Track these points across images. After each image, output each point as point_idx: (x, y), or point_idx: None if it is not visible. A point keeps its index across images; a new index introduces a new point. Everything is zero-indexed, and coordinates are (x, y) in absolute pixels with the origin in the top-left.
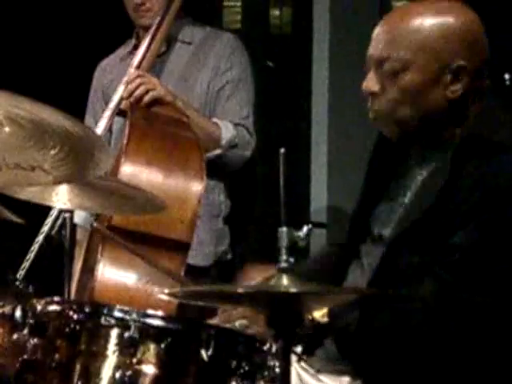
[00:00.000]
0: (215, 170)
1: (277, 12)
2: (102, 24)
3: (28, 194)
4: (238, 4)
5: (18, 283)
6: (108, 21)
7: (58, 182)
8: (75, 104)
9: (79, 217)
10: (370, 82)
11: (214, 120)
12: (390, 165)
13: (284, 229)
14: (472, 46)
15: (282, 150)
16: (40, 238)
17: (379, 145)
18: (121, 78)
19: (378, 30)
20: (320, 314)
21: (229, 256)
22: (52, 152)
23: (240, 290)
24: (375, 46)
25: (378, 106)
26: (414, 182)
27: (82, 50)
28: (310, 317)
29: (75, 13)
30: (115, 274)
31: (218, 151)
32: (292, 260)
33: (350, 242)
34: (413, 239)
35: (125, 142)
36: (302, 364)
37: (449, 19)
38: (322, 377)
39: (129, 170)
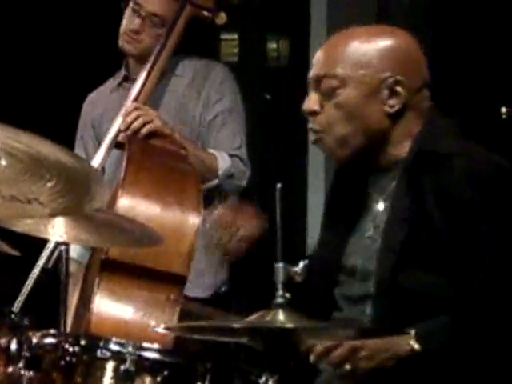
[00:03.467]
0: (213, 201)
1: (274, 45)
2: (91, 56)
3: (24, 226)
4: (235, 37)
5: (13, 316)
6: (97, 53)
7: (54, 214)
8: (66, 136)
9: (73, 251)
10: (309, 102)
11: (210, 151)
12: (351, 199)
13: (280, 264)
14: (408, 63)
15: (279, 186)
16: (36, 270)
17: (337, 180)
18: (111, 109)
19: (317, 54)
20: (407, 343)
21: (226, 288)
22: (48, 185)
23: (236, 326)
24: (314, 67)
25: (317, 124)
26: (373, 212)
27: (71, 83)
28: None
29: (65, 45)
30: (112, 307)
31: (215, 181)
32: (288, 295)
33: (324, 274)
34: (407, 264)
35: (122, 174)
36: None
37: (386, 39)
38: None
39: (126, 203)
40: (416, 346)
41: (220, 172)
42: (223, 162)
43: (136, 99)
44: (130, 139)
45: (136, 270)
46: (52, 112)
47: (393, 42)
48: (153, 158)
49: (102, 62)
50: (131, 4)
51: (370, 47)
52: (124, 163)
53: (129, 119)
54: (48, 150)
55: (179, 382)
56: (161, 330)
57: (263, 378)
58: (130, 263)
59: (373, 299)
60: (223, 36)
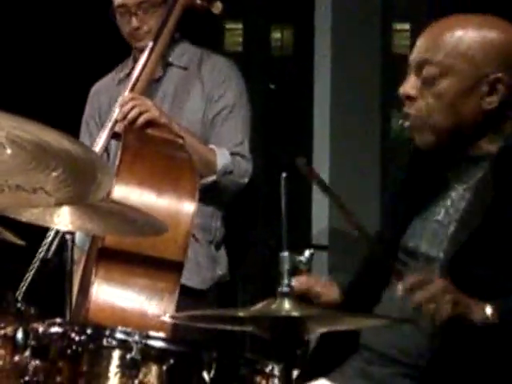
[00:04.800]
0: (213, 196)
1: (278, 34)
2: (96, 45)
3: (30, 215)
4: (240, 26)
5: (19, 305)
6: (105, 41)
7: (59, 203)
8: (73, 125)
9: (76, 237)
10: (408, 86)
11: (211, 146)
12: (426, 183)
13: (285, 253)
14: (511, 61)
15: (284, 175)
16: (37, 259)
17: (414, 163)
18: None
19: (421, 37)
20: (488, 313)
21: (227, 279)
22: (54, 174)
23: (242, 314)
24: (416, 50)
25: (413, 110)
26: (449, 199)
27: (82, 72)
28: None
29: (73, 33)
30: (110, 295)
31: (213, 177)
32: (293, 283)
33: (382, 258)
34: (474, 254)
35: (117, 163)
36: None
37: (491, 33)
38: None
39: (121, 192)
40: (494, 319)
41: (218, 168)
42: (222, 158)
43: (132, 89)
44: (126, 129)
45: (133, 258)
46: (57, 101)
47: (499, 36)
48: (149, 146)
49: (106, 51)
50: (118, 11)
51: (476, 40)
52: (119, 153)
53: (125, 109)
54: (53, 138)
55: (185, 370)
56: (167, 318)
57: (269, 367)
58: (126, 251)
59: None
60: (227, 26)
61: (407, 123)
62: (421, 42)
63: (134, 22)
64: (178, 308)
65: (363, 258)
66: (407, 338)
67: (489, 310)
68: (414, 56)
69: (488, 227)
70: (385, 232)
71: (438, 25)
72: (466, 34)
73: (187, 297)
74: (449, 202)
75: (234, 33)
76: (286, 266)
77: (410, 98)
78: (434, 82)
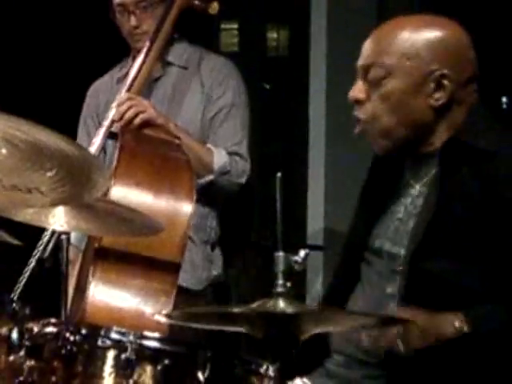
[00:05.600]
0: (209, 196)
1: (274, 34)
2: (97, 45)
3: (25, 215)
4: (235, 26)
5: (14, 305)
6: (103, 40)
7: (54, 204)
8: (69, 125)
9: (73, 237)
10: (356, 90)
11: (208, 146)
12: (387, 184)
13: (280, 253)
14: (456, 57)
15: (279, 175)
16: (33, 260)
17: (375, 165)
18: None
19: (366, 42)
20: (457, 325)
21: (222, 279)
22: (49, 174)
23: (236, 311)
24: (362, 55)
25: (362, 113)
26: (407, 197)
27: (77, 71)
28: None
29: (71, 33)
30: (106, 295)
31: (210, 177)
32: (288, 284)
33: (349, 260)
34: (430, 249)
35: (114, 164)
36: (307, 380)
37: (436, 31)
38: None
39: (118, 193)
40: (465, 328)
41: (215, 168)
42: (219, 158)
43: (129, 89)
44: (123, 129)
45: (130, 258)
46: (54, 100)
47: (442, 33)
48: (146, 147)
49: (104, 50)
50: (117, 9)
51: (418, 38)
52: (116, 153)
53: (122, 109)
54: (49, 138)
55: (180, 370)
56: (161, 317)
57: (264, 367)
58: (123, 251)
59: (399, 280)
60: (223, 26)
61: (357, 129)
62: (365, 48)
63: (133, 20)
64: (174, 308)
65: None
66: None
67: (457, 322)
68: (360, 61)
69: (438, 222)
70: (352, 234)
71: (381, 28)
72: (408, 34)
73: (183, 297)
74: (409, 200)
75: (230, 33)
76: (280, 266)
77: (358, 101)
78: (380, 84)
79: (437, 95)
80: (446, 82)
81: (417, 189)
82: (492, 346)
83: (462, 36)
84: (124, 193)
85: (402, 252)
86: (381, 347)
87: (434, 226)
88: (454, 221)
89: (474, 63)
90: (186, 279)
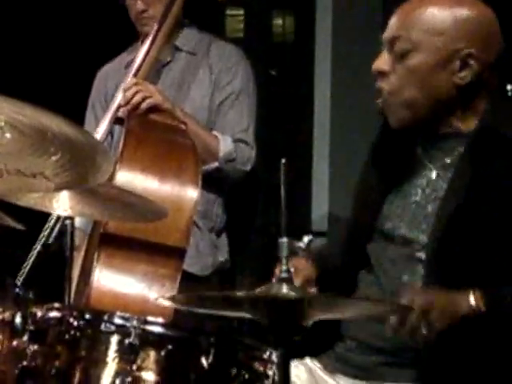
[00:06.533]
0: (214, 183)
1: (279, 21)
2: (104, 29)
3: (29, 200)
4: (241, 13)
5: (18, 289)
6: (111, 25)
7: (59, 188)
8: (76, 109)
9: (79, 221)
10: (380, 62)
11: (214, 133)
12: (395, 162)
13: (284, 239)
14: (484, 37)
15: (283, 161)
16: (38, 244)
17: (381, 140)
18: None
19: (394, 15)
20: (473, 302)
21: (228, 265)
22: (53, 158)
23: (240, 296)
24: (389, 28)
25: (385, 85)
26: (424, 179)
27: (83, 56)
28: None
29: (78, 17)
30: (111, 281)
31: (215, 164)
32: (292, 270)
33: (354, 241)
34: (459, 236)
35: (120, 149)
36: (315, 362)
37: (464, 10)
38: (336, 377)
39: (124, 178)
40: (482, 306)
41: (221, 155)
42: (225, 145)
43: (136, 74)
44: (129, 114)
45: (135, 244)
46: (61, 85)
47: (471, 12)
48: (152, 132)
49: (112, 35)
50: None
51: (447, 15)
52: (122, 138)
53: (128, 94)
54: (53, 123)
55: (183, 355)
56: (164, 301)
57: (267, 353)
58: (128, 237)
59: (425, 266)
60: (229, 12)
61: (380, 99)
62: (393, 21)
63: (140, 5)
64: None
65: (336, 241)
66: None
67: (472, 299)
68: (386, 34)
69: (468, 209)
70: (358, 214)
71: (409, 3)
72: (437, 11)
73: (188, 283)
74: (425, 182)
75: (235, 19)
76: (284, 252)
77: (382, 73)
78: (405, 57)
79: (462, 74)
80: (472, 61)
81: (433, 171)
82: (509, 328)
83: (491, 17)
84: (129, 178)
85: (422, 238)
86: (404, 335)
87: (463, 213)
88: (485, 209)
89: (501, 45)
90: (191, 265)
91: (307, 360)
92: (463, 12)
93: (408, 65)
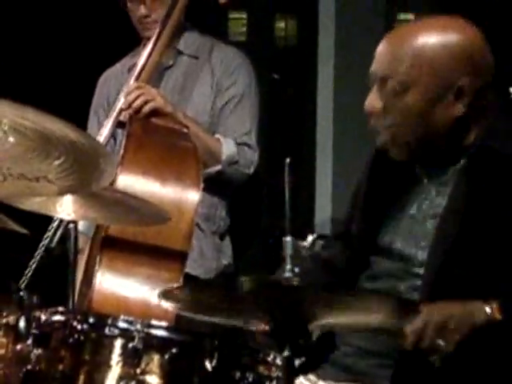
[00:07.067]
0: (217, 186)
1: (282, 24)
2: (107, 33)
3: (32, 204)
4: (244, 16)
5: (22, 293)
6: (113, 30)
7: (62, 192)
8: (79, 113)
9: (82, 224)
10: (373, 101)
11: (217, 136)
12: (393, 177)
13: (289, 238)
14: (476, 64)
15: (288, 160)
16: (41, 248)
17: (377, 160)
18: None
19: (381, 48)
20: (489, 312)
21: (231, 269)
22: (56, 162)
23: (244, 294)
24: (379, 63)
25: (382, 125)
26: (421, 194)
27: (86, 60)
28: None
29: (81, 21)
30: (113, 284)
31: (218, 167)
32: (297, 269)
33: (358, 253)
34: (460, 256)
35: (122, 152)
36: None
37: (452, 37)
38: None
39: (125, 181)
40: (497, 316)
41: (223, 158)
42: (227, 148)
43: (138, 78)
44: (131, 118)
45: (137, 247)
46: (63, 89)
47: (460, 39)
48: (153, 135)
49: (114, 39)
50: None
51: (437, 47)
52: (124, 141)
53: (130, 98)
54: (56, 127)
55: (187, 359)
56: (167, 305)
57: (271, 356)
58: (130, 240)
59: (423, 281)
60: (231, 15)
61: (379, 139)
62: (381, 55)
63: (143, 9)
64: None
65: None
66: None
67: (489, 309)
68: (376, 69)
69: (468, 227)
70: (356, 229)
71: (396, 34)
72: (426, 43)
73: (191, 286)
74: (422, 197)
75: (238, 22)
76: (289, 251)
77: (374, 112)
78: (399, 96)
79: (457, 105)
80: (466, 90)
81: (432, 187)
82: None
83: (479, 39)
84: (130, 181)
85: (421, 255)
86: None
87: (462, 231)
88: (484, 225)
89: (492, 64)
90: (195, 268)
91: (310, 376)
92: (452, 40)
93: (403, 103)
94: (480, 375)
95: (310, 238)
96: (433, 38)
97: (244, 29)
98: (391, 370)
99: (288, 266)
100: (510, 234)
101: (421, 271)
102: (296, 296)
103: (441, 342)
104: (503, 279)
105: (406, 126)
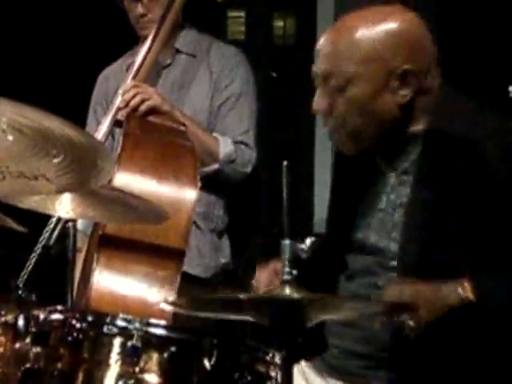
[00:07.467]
0: (215, 185)
1: (280, 23)
2: (105, 32)
3: (31, 202)
4: (242, 15)
5: (20, 292)
6: (112, 29)
7: (61, 190)
8: (77, 112)
9: (81, 223)
10: (319, 102)
11: (214, 134)
12: (358, 174)
13: (287, 241)
14: (415, 47)
15: (285, 163)
16: (38, 247)
17: (341, 156)
18: None
19: (319, 45)
20: (461, 292)
21: (230, 267)
22: (55, 161)
23: (243, 297)
24: (319, 62)
25: (330, 122)
26: (386, 186)
27: (85, 58)
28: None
29: (79, 20)
30: (111, 282)
31: (215, 166)
32: (295, 272)
33: (333, 252)
34: (429, 241)
35: (119, 151)
36: (309, 365)
37: (387, 25)
38: (328, 379)
39: (122, 179)
40: (470, 297)
41: (221, 156)
42: (225, 147)
43: (135, 77)
44: (128, 116)
45: (134, 245)
46: (62, 87)
47: (397, 27)
48: (150, 134)
49: (113, 38)
50: None
51: (374, 38)
52: (121, 140)
53: (127, 97)
54: (54, 125)
55: (186, 357)
56: (166, 305)
57: (270, 355)
58: (128, 238)
59: (398, 273)
60: (230, 14)
61: (331, 138)
62: (320, 52)
63: (140, 8)
64: (181, 295)
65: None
66: (369, 332)
67: (461, 290)
68: (317, 69)
69: (434, 214)
70: (330, 229)
71: (333, 30)
72: (363, 35)
73: (190, 284)
74: (388, 189)
75: (237, 21)
76: (287, 254)
77: (323, 112)
78: (343, 91)
79: (402, 92)
80: (409, 77)
81: (394, 177)
82: (500, 319)
83: (416, 24)
84: (127, 180)
85: (393, 247)
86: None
87: (428, 218)
88: (449, 210)
89: (432, 47)
90: (193, 267)
91: (302, 363)
92: (389, 28)
93: (347, 97)
94: (460, 356)
95: (308, 241)
96: (368, 29)
97: (242, 27)
98: (380, 370)
99: (286, 269)
100: (477, 213)
101: (395, 263)
102: (296, 308)
103: (411, 323)
104: (475, 260)
105: (355, 119)
